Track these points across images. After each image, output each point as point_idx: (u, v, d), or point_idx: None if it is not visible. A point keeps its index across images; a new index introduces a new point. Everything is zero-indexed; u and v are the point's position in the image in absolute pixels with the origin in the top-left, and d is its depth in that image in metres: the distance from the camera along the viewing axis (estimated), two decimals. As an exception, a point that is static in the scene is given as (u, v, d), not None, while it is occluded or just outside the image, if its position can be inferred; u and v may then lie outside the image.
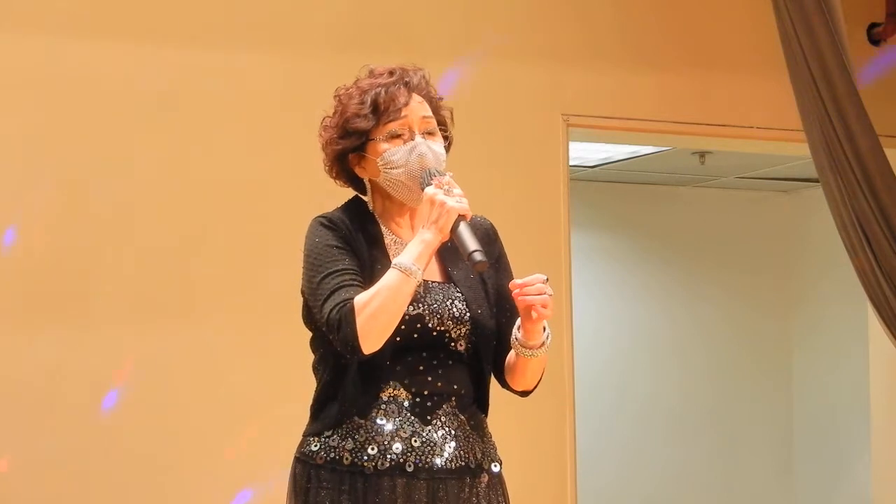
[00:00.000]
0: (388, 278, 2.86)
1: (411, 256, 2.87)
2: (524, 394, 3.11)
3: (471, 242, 2.84)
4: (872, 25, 6.16)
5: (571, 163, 5.83)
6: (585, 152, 7.50)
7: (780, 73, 5.21)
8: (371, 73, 3.05)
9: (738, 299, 8.75)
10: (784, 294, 8.84)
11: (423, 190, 2.93)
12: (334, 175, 3.09)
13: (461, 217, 2.87)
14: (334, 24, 5.23)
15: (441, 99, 3.10)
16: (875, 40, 6.17)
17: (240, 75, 5.07)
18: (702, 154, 7.65)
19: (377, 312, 2.84)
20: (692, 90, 5.78)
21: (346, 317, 2.84)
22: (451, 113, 3.11)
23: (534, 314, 2.91)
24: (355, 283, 2.91)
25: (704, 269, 8.73)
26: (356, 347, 2.85)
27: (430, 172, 2.95)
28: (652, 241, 8.68)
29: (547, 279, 2.91)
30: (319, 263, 2.95)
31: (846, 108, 5.03)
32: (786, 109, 5.37)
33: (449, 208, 2.86)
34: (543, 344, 2.99)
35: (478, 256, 2.82)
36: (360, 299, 2.85)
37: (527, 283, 2.89)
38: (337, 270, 2.92)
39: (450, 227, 2.87)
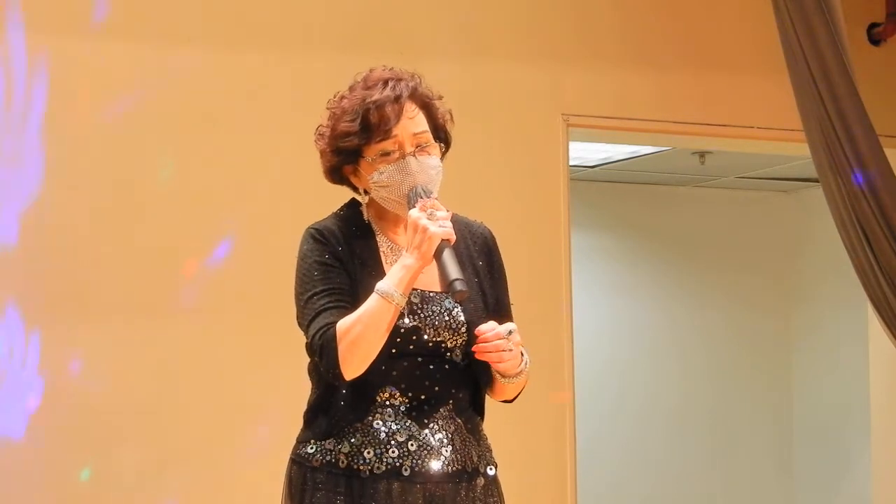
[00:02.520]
0: (370, 304, 2.86)
1: (393, 282, 2.86)
2: (505, 401, 3.11)
3: (452, 270, 2.84)
4: (872, 25, 6.16)
5: (571, 163, 5.83)
6: (585, 152, 7.49)
7: (780, 73, 5.21)
8: (365, 82, 3.01)
9: (738, 299, 8.75)
10: (784, 294, 8.84)
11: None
12: (331, 181, 3.08)
13: (444, 242, 2.87)
14: (334, 24, 5.23)
15: (440, 98, 3.07)
16: (875, 40, 6.17)
17: (240, 75, 5.07)
18: (702, 154, 7.65)
19: (357, 340, 2.84)
20: (692, 90, 5.78)
21: (328, 343, 2.86)
22: (451, 113, 3.09)
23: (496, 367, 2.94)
24: (341, 304, 2.91)
25: (704, 270, 8.73)
26: (338, 374, 2.86)
27: (416, 192, 2.93)
28: (652, 241, 8.68)
29: (511, 332, 2.91)
30: (307, 281, 2.95)
31: (846, 109, 5.03)
32: (786, 109, 5.37)
33: (431, 234, 2.85)
34: (520, 373, 3.00)
35: (458, 286, 2.82)
36: (342, 326, 2.86)
37: (486, 338, 2.90)
38: (323, 291, 2.93)
39: (432, 252, 2.86)
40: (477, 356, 2.93)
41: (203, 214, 4.99)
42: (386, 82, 2.99)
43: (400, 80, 3.00)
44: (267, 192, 5.07)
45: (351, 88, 3.03)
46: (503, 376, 3.00)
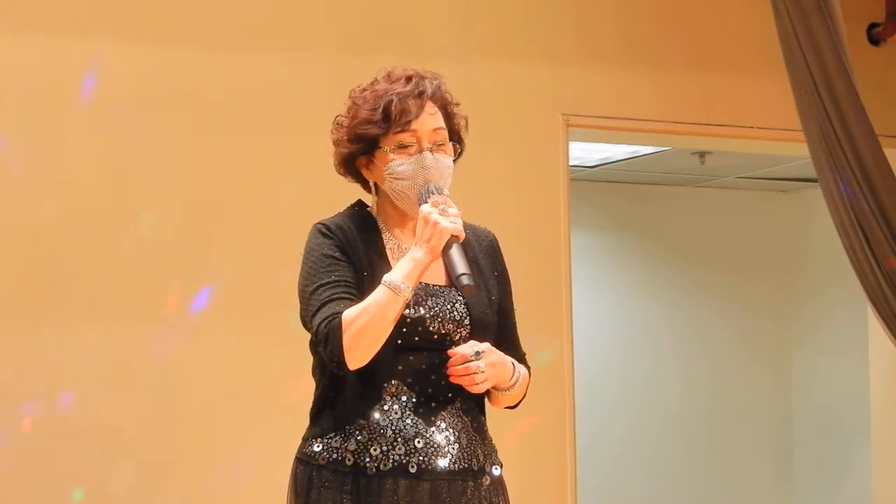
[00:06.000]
0: (377, 295, 2.88)
1: (401, 274, 2.89)
2: (508, 407, 3.13)
3: (460, 265, 2.87)
4: (872, 25, 6.16)
5: (571, 163, 5.83)
6: (585, 152, 7.49)
7: (780, 73, 5.21)
8: (388, 76, 3.05)
9: (738, 299, 8.75)
10: (784, 294, 8.84)
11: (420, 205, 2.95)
12: (342, 173, 3.10)
13: (454, 238, 2.89)
14: (334, 24, 5.23)
15: (458, 104, 3.10)
16: (875, 40, 6.17)
17: (240, 75, 5.07)
18: (702, 154, 7.65)
19: (363, 329, 2.86)
20: (692, 90, 5.78)
21: (334, 332, 2.87)
22: (466, 121, 3.12)
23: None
24: (347, 295, 2.93)
25: (704, 270, 8.73)
26: (341, 363, 2.87)
27: (428, 189, 2.96)
28: (652, 241, 8.68)
29: (479, 352, 2.93)
30: (313, 273, 2.97)
31: (845, 109, 5.04)
32: (786, 109, 5.37)
33: (441, 229, 2.88)
34: (514, 385, 3.03)
35: (465, 280, 2.85)
36: (348, 315, 2.87)
37: (453, 360, 2.93)
38: (330, 282, 2.94)
39: (441, 247, 2.89)
40: (451, 380, 2.95)
41: (203, 214, 4.99)
42: (410, 78, 3.04)
43: (424, 77, 3.05)
44: (268, 191, 5.07)
45: (373, 82, 3.06)
46: (496, 388, 3.02)
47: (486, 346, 2.96)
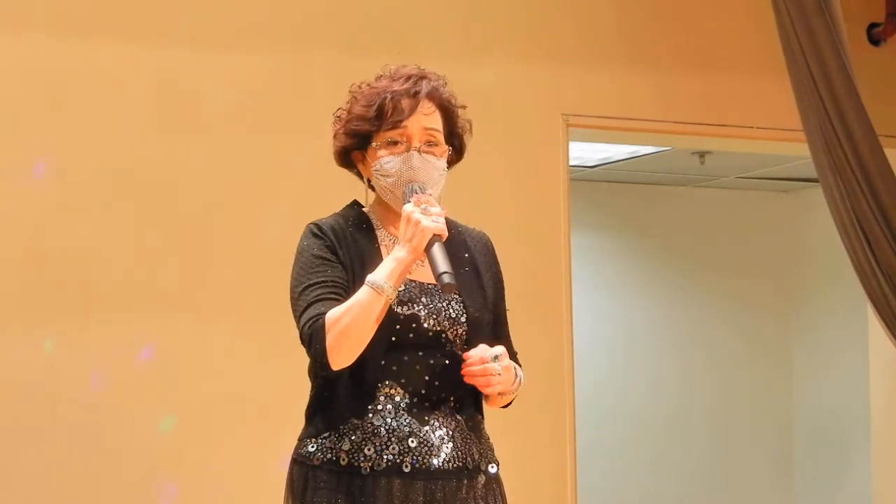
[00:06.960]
0: (360, 295, 2.89)
1: (384, 274, 2.89)
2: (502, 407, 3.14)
3: (441, 264, 2.87)
4: (872, 25, 6.16)
5: (571, 163, 5.83)
6: (585, 152, 7.50)
7: (780, 73, 5.21)
8: (392, 74, 3.06)
9: (737, 299, 8.76)
10: (784, 294, 8.84)
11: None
12: (339, 164, 3.12)
13: (436, 237, 2.89)
14: (334, 24, 5.23)
15: (464, 107, 3.11)
16: (875, 40, 6.17)
17: (240, 75, 5.07)
18: (702, 154, 7.66)
19: (346, 330, 2.86)
20: (692, 90, 5.78)
21: (317, 332, 2.88)
22: (470, 124, 3.12)
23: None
24: (333, 296, 2.93)
25: (704, 270, 8.73)
26: (325, 363, 2.89)
27: (412, 188, 2.97)
28: (652, 241, 8.68)
29: (498, 356, 2.95)
30: (303, 274, 2.99)
31: (846, 109, 5.03)
32: (786, 109, 5.37)
33: (423, 228, 2.89)
34: (514, 391, 3.05)
35: (446, 279, 2.85)
36: (332, 315, 2.88)
37: (472, 362, 2.95)
38: (317, 283, 2.96)
39: (423, 246, 2.89)
40: (465, 380, 2.96)
41: (203, 214, 4.99)
42: (409, 77, 3.04)
43: (424, 77, 3.05)
44: (268, 190, 5.07)
45: (377, 78, 3.08)
46: (500, 393, 3.03)
47: (501, 349, 2.98)
